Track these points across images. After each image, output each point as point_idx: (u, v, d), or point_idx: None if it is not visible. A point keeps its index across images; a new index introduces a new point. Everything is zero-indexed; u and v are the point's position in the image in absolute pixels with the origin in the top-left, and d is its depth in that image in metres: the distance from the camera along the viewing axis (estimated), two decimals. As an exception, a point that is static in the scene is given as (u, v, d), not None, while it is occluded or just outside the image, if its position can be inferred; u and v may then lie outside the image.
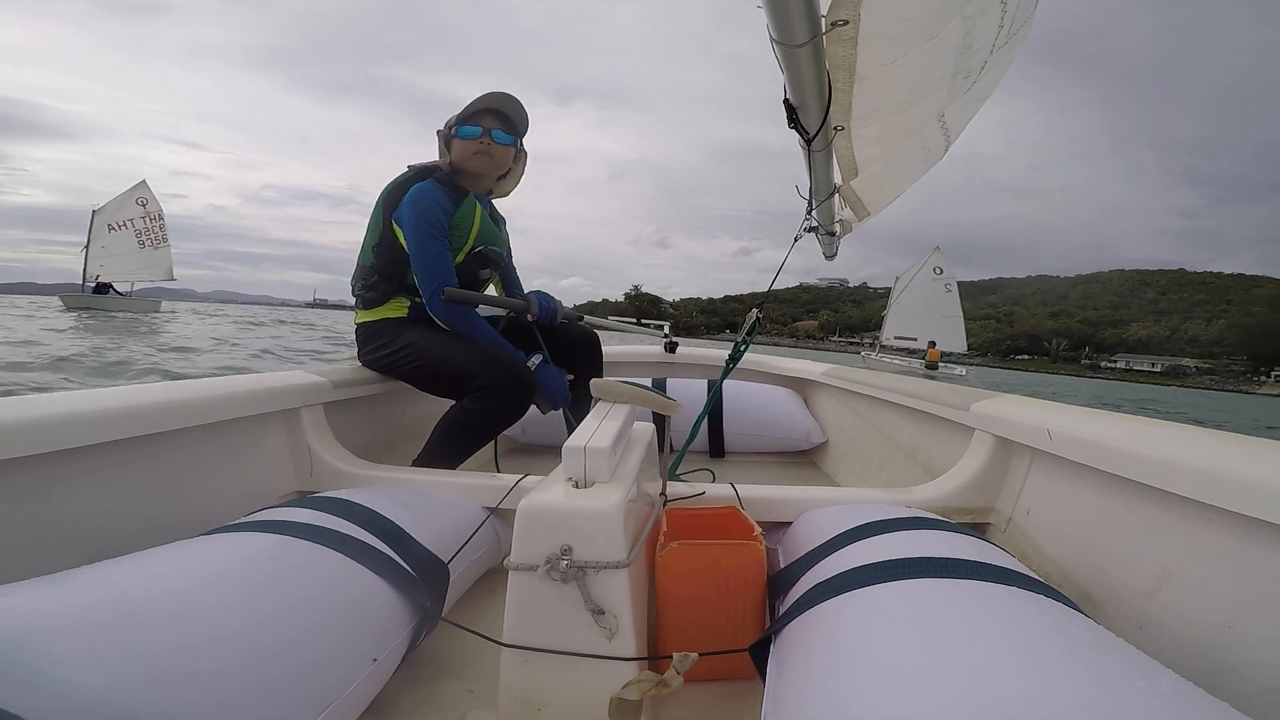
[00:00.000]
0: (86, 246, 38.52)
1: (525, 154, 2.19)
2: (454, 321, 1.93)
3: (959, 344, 37.38)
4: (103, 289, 38.55)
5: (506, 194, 2.27)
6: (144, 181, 39.43)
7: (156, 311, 39.48)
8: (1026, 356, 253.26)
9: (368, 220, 2.01)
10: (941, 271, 37.35)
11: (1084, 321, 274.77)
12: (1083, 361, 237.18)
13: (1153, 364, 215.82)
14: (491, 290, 2.33)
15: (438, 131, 2.04)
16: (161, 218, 39.85)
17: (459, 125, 1.98)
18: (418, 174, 1.98)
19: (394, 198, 1.94)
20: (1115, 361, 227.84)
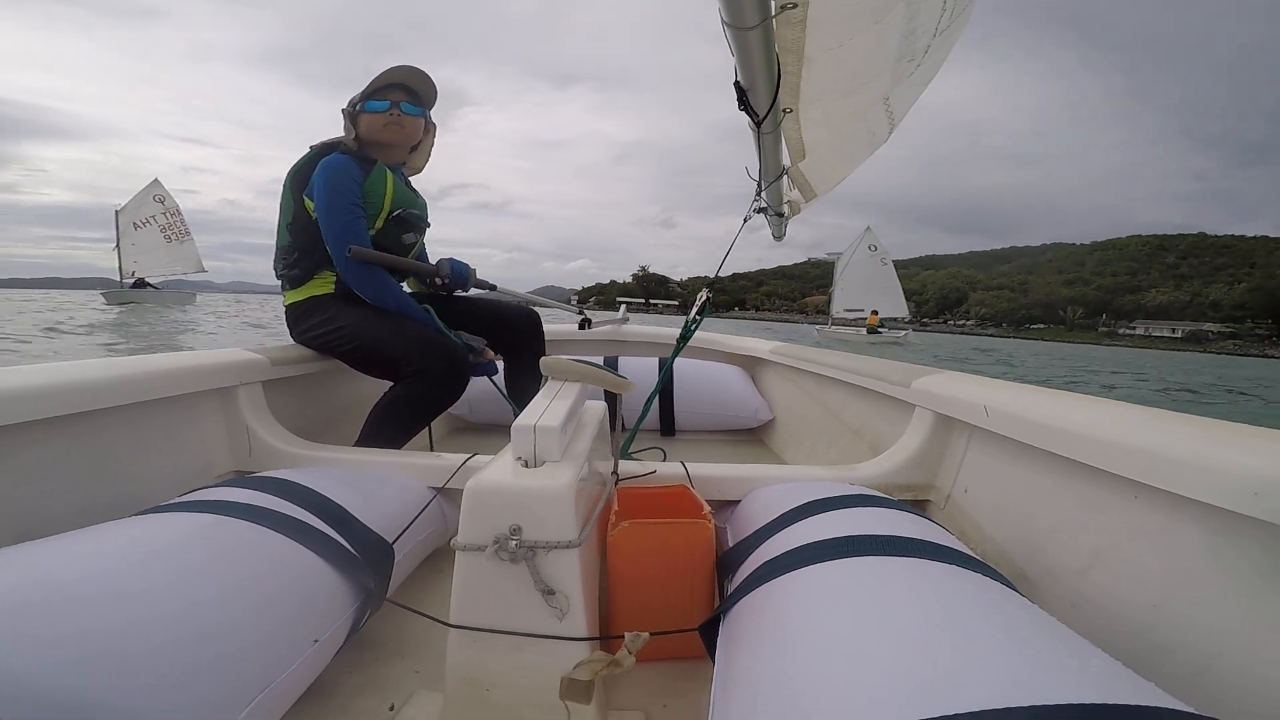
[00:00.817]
0: (118, 245, 39.00)
1: (434, 126, 2.20)
2: (366, 287, 1.91)
3: (900, 310, 43.62)
4: (140, 284, 39.16)
5: (419, 169, 2.26)
6: (156, 180, 39.49)
7: (193, 304, 39.76)
8: (1041, 325, 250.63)
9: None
10: (876, 249, 42.92)
11: (1100, 289, 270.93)
12: (1100, 329, 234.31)
13: (1173, 330, 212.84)
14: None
15: (343, 110, 2.04)
16: (179, 213, 40.15)
17: (365, 101, 1.99)
18: (322, 150, 1.97)
19: (302, 175, 1.94)
20: (1134, 328, 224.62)
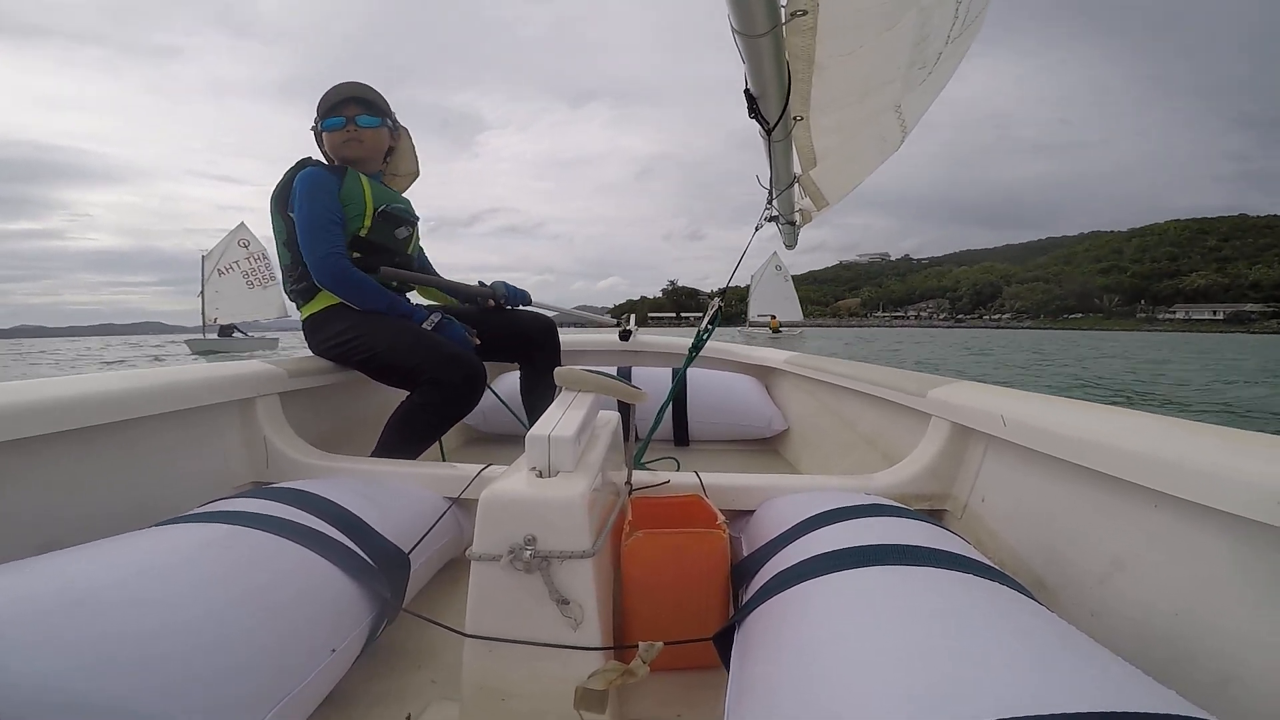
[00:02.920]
0: (202, 292, 38.37)
1: (405, 130, 2.23)
2: (348, 291, 1.94)
3: (796, 315, 58.66)
4: (226, 331, 38.84)
5: (412, 172, 2.32)
6: (242, 224, 38.42)
7: (275, 350, 39.43)
8: (1079, 315, 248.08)
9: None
10: (780, 268, 56.93)
11: (1137, 275, 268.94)
12: (1138, 315, 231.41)
13: (1214, 312, 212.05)
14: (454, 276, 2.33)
15: (311, 129, 2.08)
16: (265, 256, 38.70)
17: (323, 120, 2.03)
18: (297, 167, 2.01)
19: (284, 195, 1.98)
20: (1174, 313, 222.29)
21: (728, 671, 0.84)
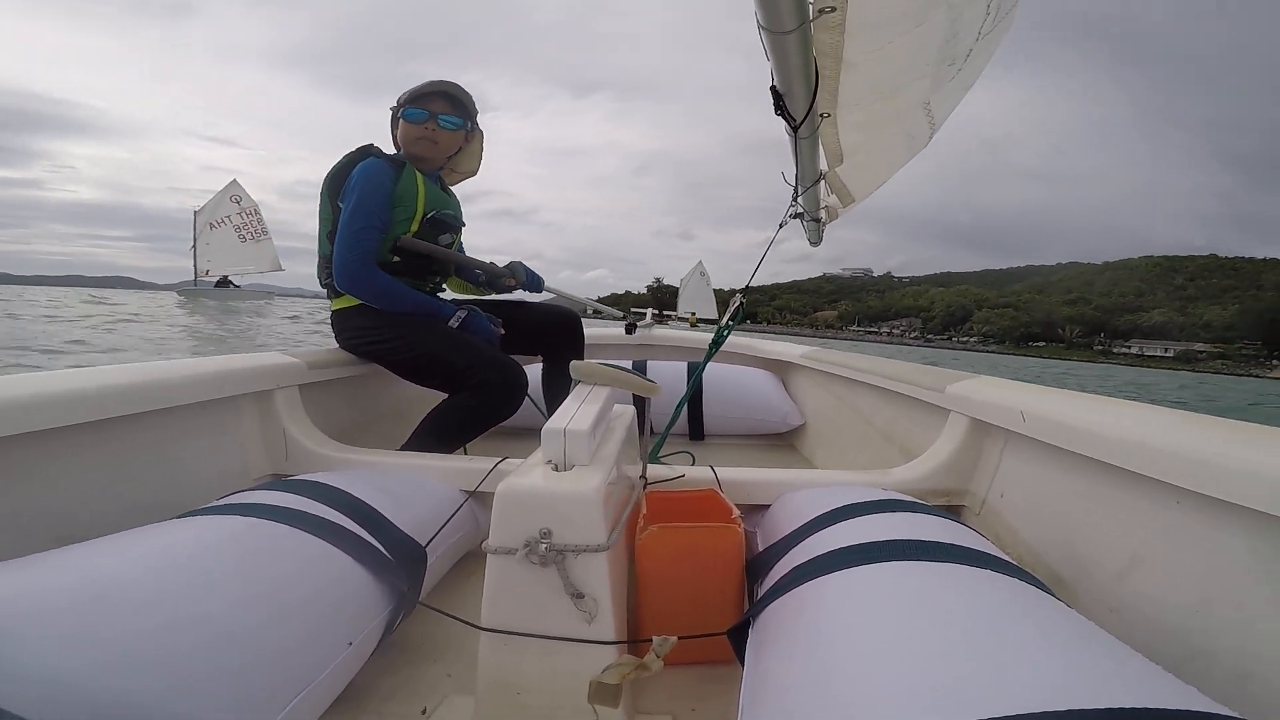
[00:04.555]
0: (194, 245, 39.77)
1: (480, 133, 2.20)
2: (371, 294, 1.90)
3: (712, 314, 63.69)
4: (223, 284, 40.49)
5: (473, 170, 2.28)
6: (235, 180, 40.32)
7: (269, 302, 41.01)
8: (1041, 343, 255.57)
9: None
10: (704, 274, 60.04)
11: (1099, 308, 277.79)
12: (1095, 347, 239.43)
13: (1165, 349, 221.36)
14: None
15: (391, 108, 2.04)
16: (258, 212, 40.23)
17: (407, 106, 1.98)
18: (358, 155, 1.97)
19: (337, 182, 1.94)
20: (1129, 347, 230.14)
21: (742, 666, 0.84)
